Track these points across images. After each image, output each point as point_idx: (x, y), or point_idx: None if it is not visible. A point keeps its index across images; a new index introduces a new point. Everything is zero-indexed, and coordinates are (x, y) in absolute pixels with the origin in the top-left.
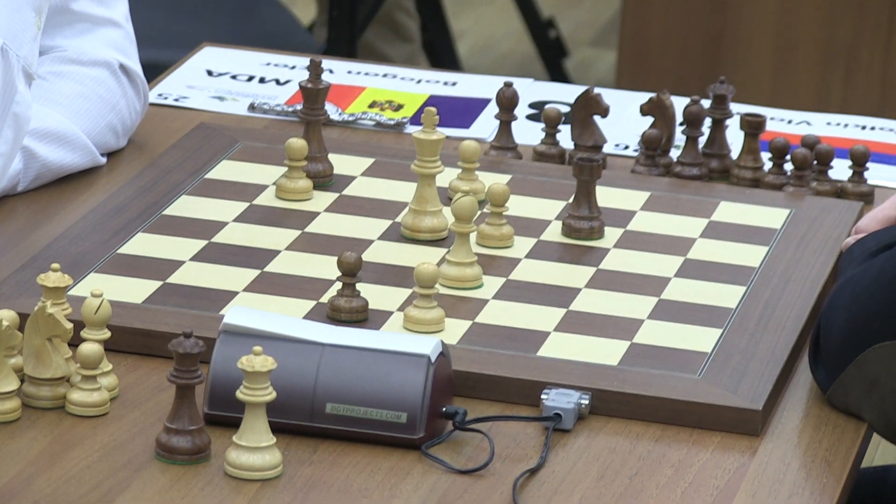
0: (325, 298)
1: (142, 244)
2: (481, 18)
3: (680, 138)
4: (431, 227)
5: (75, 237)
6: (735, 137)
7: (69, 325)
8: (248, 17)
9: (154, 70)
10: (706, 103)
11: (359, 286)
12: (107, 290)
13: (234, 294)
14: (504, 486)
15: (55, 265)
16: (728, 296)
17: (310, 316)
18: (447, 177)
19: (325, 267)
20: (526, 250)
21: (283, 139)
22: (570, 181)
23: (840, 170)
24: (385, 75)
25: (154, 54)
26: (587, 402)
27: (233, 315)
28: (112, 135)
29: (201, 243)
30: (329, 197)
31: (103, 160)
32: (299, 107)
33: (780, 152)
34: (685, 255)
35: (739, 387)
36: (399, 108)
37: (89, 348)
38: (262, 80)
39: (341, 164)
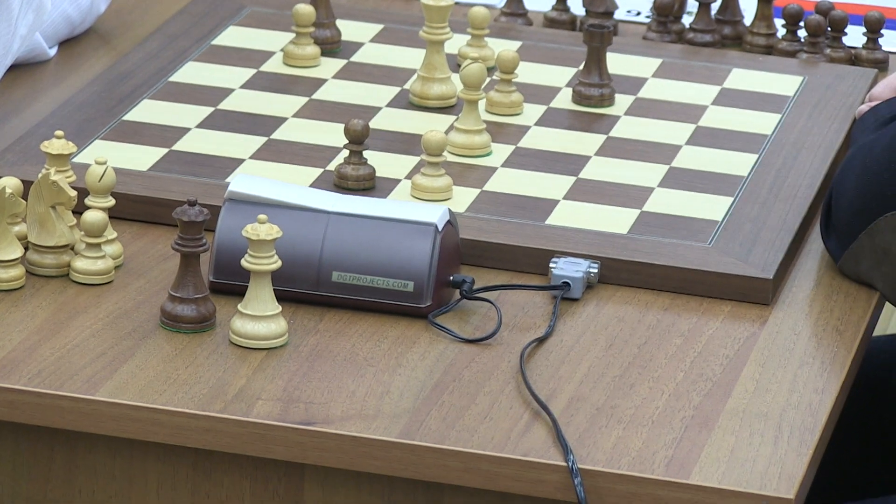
0: (331, 166)
1: (147, 111)
2: None
3: (692, 4)
4: (440, 94)
5: (80, 104)
6: (748, 4)
7: (73, 193)
8: None
9: None
10: None
11: (366, 154)
12: (112, 157)
13: (240, 161)
14: (511, 356)
15: (59, 132)
16: (739, 164)
17: (316, 184)
18: (456, 43)
19: (333, 134)
20: (535, 118)
21: (290, 5)
22: (581, 48)
23: (854, 36)
24: None
25: None
26: (596, 270)
27: (238, 182)
28: None
29: (207, 110)
30: (337, 64)
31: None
32: None
33: (793, 18)
34: (696, 122)
35: (750, 255)
36: None
37: (93, 216)
38: None
39: (349, 30)
